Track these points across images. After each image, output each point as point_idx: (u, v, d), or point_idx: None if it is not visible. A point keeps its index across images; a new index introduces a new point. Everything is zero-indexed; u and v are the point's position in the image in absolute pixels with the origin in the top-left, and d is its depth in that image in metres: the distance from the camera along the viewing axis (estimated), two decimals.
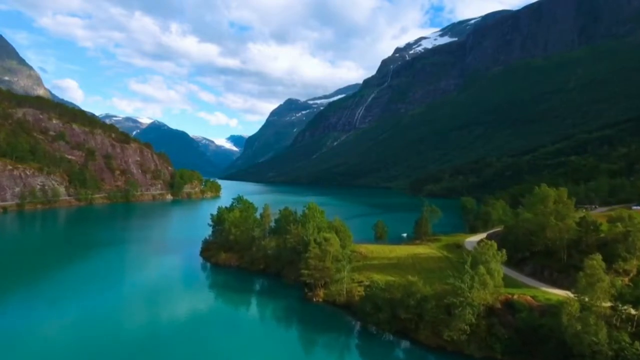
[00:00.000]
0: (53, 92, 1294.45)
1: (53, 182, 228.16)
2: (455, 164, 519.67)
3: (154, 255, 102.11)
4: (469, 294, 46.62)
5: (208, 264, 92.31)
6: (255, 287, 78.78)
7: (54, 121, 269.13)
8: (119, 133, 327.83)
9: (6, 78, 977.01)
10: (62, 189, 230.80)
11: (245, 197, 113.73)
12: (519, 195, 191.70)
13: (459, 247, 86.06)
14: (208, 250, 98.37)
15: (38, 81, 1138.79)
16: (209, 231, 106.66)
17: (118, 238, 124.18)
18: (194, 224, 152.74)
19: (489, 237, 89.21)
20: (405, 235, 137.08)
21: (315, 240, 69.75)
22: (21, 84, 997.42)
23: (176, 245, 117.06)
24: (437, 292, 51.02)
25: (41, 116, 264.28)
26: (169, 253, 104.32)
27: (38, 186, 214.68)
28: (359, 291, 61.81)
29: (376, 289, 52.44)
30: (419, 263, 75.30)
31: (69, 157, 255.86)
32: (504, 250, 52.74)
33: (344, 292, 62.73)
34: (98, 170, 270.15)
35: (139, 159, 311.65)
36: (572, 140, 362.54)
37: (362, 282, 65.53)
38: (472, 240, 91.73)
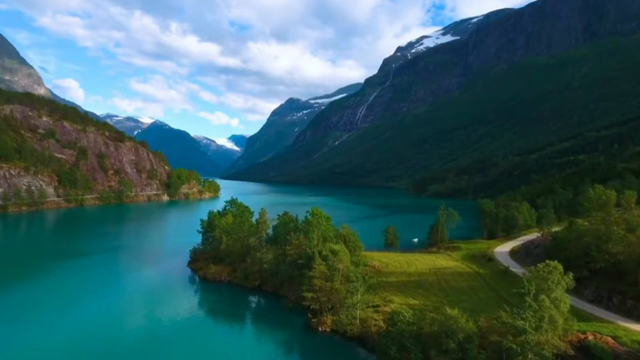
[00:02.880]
0: (54, 91, 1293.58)
1: (40, 182, 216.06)
2: (460, 163, 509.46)
3: (136, 266, 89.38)
4: (533, 337, 34.45)
5: (196, 277, 79.81)
6: (248, 311, 65.85)
7: (44, 118, 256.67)
8: (113, 131, 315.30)
9: (7, 77, 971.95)
10: (50, 190, 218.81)
11: (242, 199, 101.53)
12: (535, 196, 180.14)
13: (490, 260, 73.13)
14: (196, 261, 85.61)
15: (39, 81, 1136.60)
16: (199, 237, 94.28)
17: (98, 245, 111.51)
18: (187, 228, 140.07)
19: (525, 248, 77.30)
20: (416, 240, 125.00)
21: (320, 253, 57.51)
22: (22, 83, 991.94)
23: (164, 253, 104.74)
24: (481, 327, 38.85)
25: (30, 113, 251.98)
26: (153, 263, 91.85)
27: (24, 187, 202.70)
28: (375, 320, 49.46)
29: (401, 324, 40.24)
30: (445, 280, 62.89)
31: (59, 156, 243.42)
32: (571, 274, 40.41)
33: (358, 321, 50.06)
34: (90, 170, 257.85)
35: (133, 158, 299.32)
36: (580, 138, 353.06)
37: (378, 306, 53.15)
38: (501, 250, 79.18)
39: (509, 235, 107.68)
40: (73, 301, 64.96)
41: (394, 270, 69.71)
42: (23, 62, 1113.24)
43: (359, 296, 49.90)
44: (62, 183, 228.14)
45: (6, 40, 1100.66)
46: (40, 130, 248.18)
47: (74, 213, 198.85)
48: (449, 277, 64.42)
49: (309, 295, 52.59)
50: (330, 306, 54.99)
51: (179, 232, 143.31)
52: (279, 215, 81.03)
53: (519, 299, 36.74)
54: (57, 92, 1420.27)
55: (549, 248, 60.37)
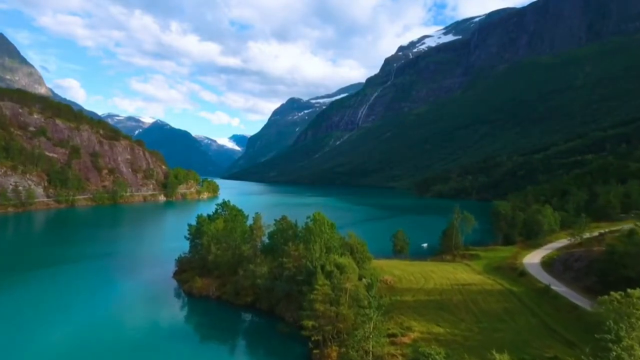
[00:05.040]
0: (55, 91, 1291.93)
1: (29, 182, 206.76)
2: (461, 163, 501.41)
3: (115, 277, 79.18)
4: None
5: (182, 291, 70.00)
6: (238, 335, 55.09)
7: (35, 116, 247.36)
8: (108, 130, 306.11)
9: (7, 77, 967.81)
10: (39, 190, 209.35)
11: (241, 199, 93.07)
12: (548, 196, 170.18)
13: (522, 274, 63.12)
14: (183, 271, 75.70)
15: (39, 80, 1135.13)
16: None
17: (79, 252, 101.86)
18: (180, 230, 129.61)
19: (561, 260, 67.50)
20: (425, 245, 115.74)
21: (323, 268, 47.94)
22: (22, 83, 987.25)
23: (149, 261, 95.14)
24: None
25: (20, 110, 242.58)
26: (135, 274, 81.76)
27: (10, 186, 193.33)
28: (393, 355, 39.88)
29: None
30: (472, 300, 52.86)
31: (50, 154, 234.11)
32: None
33: (370, 357, 39.90)
34: (83, 170, 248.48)
35: (129, 157, 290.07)
36: (586, 138, 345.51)
37: (395, 336, 43.52)
38: (530, 262, 69.16)
39: (528, 240, 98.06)
40: (36, 319, 55.31)
41: (409, 287, 59.69)
42: (24, 61, 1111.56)
43: (371, 325, 39.95)
44: (53, 183, 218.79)
45: (6, 39, 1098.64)
46: (31, 128, 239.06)
47: (63, 214, 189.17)
48: (477, 296, 54.23)
49: (310, 323, 42.72)
50: (335, 333, 45.32)
51: (171, 236, 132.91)
52: (275, 220, 71.14)
53: (603, 346, 26.97)
54: (58, 91, 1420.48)
55: (601, 263, 50.39)
